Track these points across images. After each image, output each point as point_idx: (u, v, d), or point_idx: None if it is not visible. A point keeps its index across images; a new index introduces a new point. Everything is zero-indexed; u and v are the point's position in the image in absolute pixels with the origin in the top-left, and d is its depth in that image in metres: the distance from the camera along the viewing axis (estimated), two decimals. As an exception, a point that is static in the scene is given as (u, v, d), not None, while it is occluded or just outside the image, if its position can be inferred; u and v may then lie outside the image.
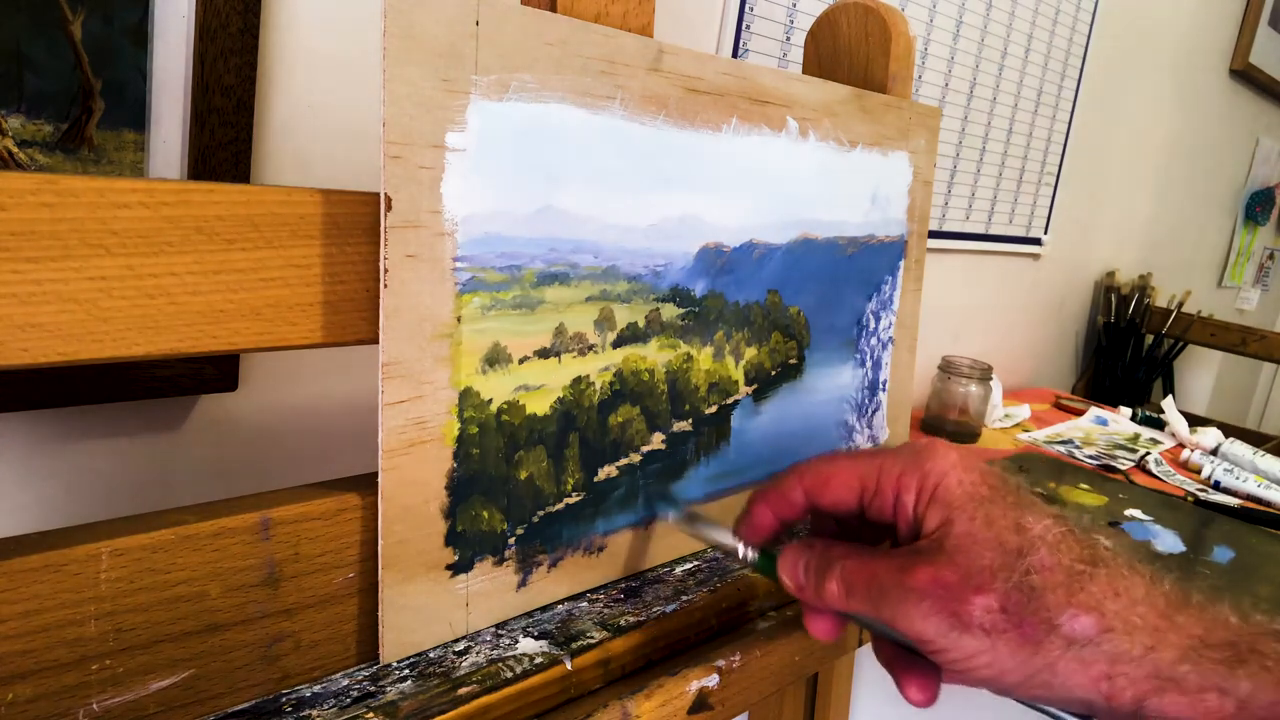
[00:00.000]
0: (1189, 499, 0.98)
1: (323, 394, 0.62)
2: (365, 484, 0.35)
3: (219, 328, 0.30)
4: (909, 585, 0.29)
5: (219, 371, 0.54)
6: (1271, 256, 2.51)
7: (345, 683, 0.34)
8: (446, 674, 0.35)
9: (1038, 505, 0.31)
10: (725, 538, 0.38)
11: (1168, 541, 0.85)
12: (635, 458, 0.44)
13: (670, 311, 0.44)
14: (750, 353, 0.49)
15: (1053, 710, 0.31)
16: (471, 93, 0.34)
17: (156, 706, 0.31)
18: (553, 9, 0.37)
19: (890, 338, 0.60)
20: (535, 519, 0.40)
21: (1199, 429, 1.22)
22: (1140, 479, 1.04)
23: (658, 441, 0.45)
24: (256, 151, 0.55)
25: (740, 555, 0.37)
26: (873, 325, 0.58)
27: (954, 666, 0.29)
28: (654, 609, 0.42)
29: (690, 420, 0.46)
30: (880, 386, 0.60)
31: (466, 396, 0.36)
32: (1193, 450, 1.13)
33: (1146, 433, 1.26)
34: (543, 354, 0.39)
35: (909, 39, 0.56)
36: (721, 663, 0.40)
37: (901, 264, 0.59)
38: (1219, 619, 0.28)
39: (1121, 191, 1.69)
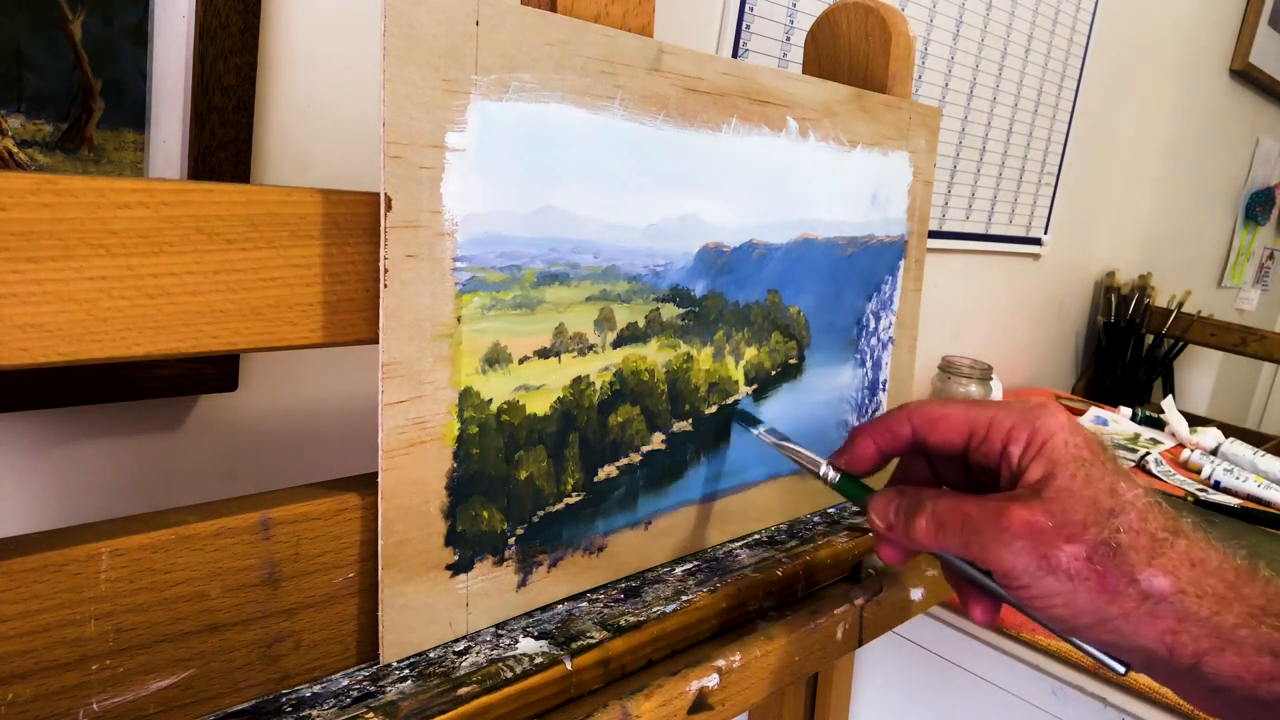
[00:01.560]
0: (1189, 499, 0.98)
1: (323, 394, 0.62)
2: (365, 484, 0.35)
3: (219, 328, 0.30)
4: (1003, 525, 0.32)
5: (219, 371, 0.54)
6: (1271, 256, 2.51)
7: (345, 683, 0.34)
8: (446, 674, 0.35)
9: (1131, 476, 0.34)
10: (811, 455, 0.42)
11: (1168, 541, 0.85)
12: (635, 458, 0.44)
13: (670, 311, 0.44)
14: (750, 353, 0.49)
15: (1094, 652, 0.33)
16: (471, 93, 0.34)
17: (156, 706, 0.31)
18: (553, 9, 0.37)
19: (890, 338, 0.60)
20: (535, 519, 0.40)
21: (1199, 429, 1.22)
22: (1140, 479, 1.04)
23: (658, 441, 0.45)
24: (256, 151, 0.55)
25: (821, 473, 0.41)
26: (873, 325, 0.58)
27: (1032, 603, 0.32)
28: (654, 609, 0.42)
29: (690, 420, 0.46)
30: (880, 386, 0.60)
31: (466, 396, 0.36)
32: (1193, 450, 1.13)
33: (1146, 433, 1.26)
34: (543, 354, 0.39)
35: (909, 39, 0.56)
36: (721, 663, 0.40)
37: (901, 264, 0.59)
38: None
39: (1121, 191, 1.69)
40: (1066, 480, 0.32)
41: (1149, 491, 0.33)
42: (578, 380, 0.40)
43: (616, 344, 0.42)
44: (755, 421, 0.47)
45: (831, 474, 0.41)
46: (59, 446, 0.51)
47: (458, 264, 0.35)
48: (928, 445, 0.37)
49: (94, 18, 0.47)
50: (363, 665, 0.36)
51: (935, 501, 0.35)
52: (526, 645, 0.38)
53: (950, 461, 0.38)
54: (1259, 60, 1.94)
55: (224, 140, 0.52)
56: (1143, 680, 0.73)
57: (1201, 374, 2.12)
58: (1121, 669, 0.33)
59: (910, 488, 0.37)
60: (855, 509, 0.58)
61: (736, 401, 0.49)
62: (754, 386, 0.50)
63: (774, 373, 0.51)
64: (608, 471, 0.42)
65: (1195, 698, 0.32)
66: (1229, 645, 0.30)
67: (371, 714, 0.32)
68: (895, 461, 0.41)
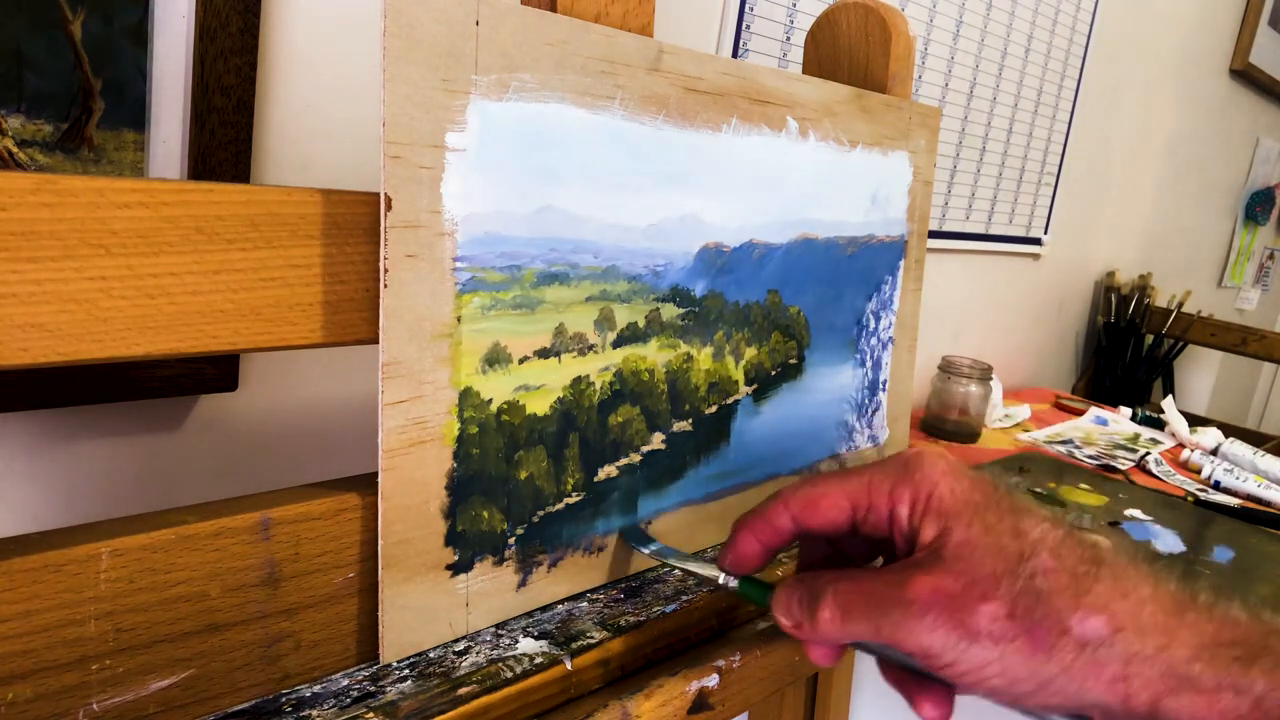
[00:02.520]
0: (1189, 499, 0.98)
1: (323, 394, 0.62)
2: (365, 484, 0.35)
3: (219, 328, 0.30)
4: (909, 599, 0.28)
5: (219, 371, 0.54)
6: (1271, 256, 2.51)
7: (345, 683, 0.34)
8: (446, 674, 0.35)
9: (1033, 509, 0.30)
10: (701, 568, 0.38)
11: (1168, 541, 0.85)
12: (635, 458, 0.44)
13: (670, 311, 0.44)
14: (750, 353, 0.49)
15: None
16: (471, 93, 0.34)
17: (156, 706, 0.31)
18: (553, 9, 0.37)
19: (890, 338, 0.60)
20: (535, 519, 0.40)
21: (1199, 429, 1.23)
22: (1140, 479, 1.04)
23: (658, 441, 0.45)
24: (256, 151, 0.55)
25: (721, 583, 0.37)
26: (873, 325, 0.58)
27: (963, 679, 0.29)
28: (654, 609, 0.42)
29: (690, 420, 0.46)
30: (880, 386, 0.60)
31: (466, 396, 0.36)
32: (1193, 450, 1.13)
33: (1146, 433, 1.26)
34: (543, 354, 0.39)
35: (909, 39, 0.56)
36: (721, 663, 0.40)
37: (901, 264, 0.59)
38: (1228, 617, 0.28)
39: (1121, 191, 1.69)
40: (964, 532, 0.29)
41: (1057, 522, 0.30)
42: (578, 380, 0.40)
43: (616, 344, 0.42)
44: (646, 540, 0.43)
45: (732, 582, 0.36)
46: (59, 446, 0.51)
47: (458, 264, 0.35)
48: (812, 530, 0.33)
49: (94, 18, 0.47)
50: (363, 665, 0.36)
51: (834, 585, 0.31)
52: (526, 645, 0.38)
53: (846, 538, 0.34)
54: (1259, 60, 1.94)
55: (224, 140, 0.52)
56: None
57: (1201, 374, 2.12)
58: None
59: (810, 574, 0.33)
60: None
61: (628, 523, 0.44)
62: (754, 386, 0.50)
63: (774, 373, 0.51)
64: (608, 471, 0.42)
65: None
66: (1185, 684, 0.27)
67: (371, 714, 0.32)
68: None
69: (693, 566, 0.39)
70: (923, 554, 0.30)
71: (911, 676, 0.32)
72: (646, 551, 0.42)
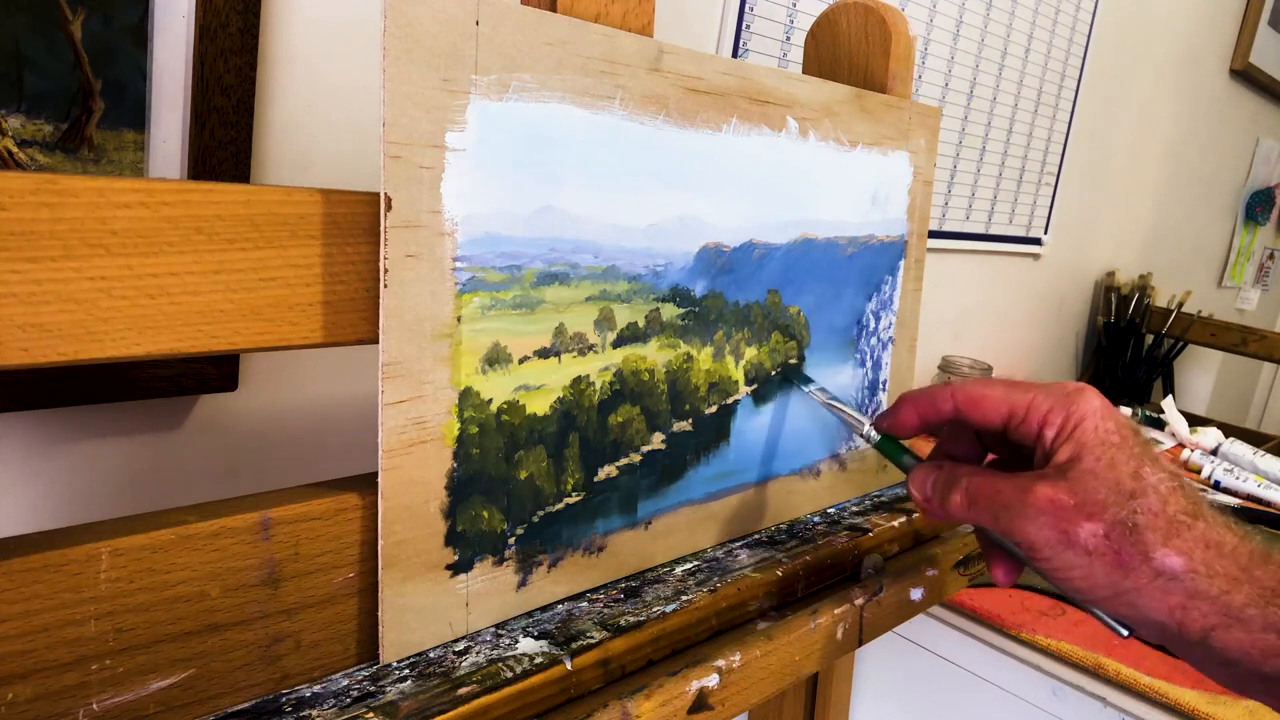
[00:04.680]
0: (1189, 499, 0.98)
1: (323, 394, 0.62)
2: (365, 484, 0.35)
3: (219, 328, 0.30)
4: (1028, 501, 0.34)
5: (219, 371, 0.54)
6: (1271, 256, 2.51)
7: (345, 683, 0.34)
8: (446, 674, 0.35)
9: (1159, 460, 0.35)
10: (856, 415, 0.47)
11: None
12: (635, 458, 0.44)
13: (670, 311, 0.44)
14: (750, 353, 0.49)
15: (1102, 616, 0.36)
16: (471, 93, 0.34)
17: (156, 706, 0.31)
18: (553, 9, 0.37)
19: (890, 338, 0.60)
20: (535, 519, 0.40)
21: (1199, 429, 1.23)
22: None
23: (658, 441, 0.45)
24: (256, 151, 0.55)
25: (865, 433, 0.45)
26: (873, 325, 0.58)
27: (1054, 575, 0.35)
28: (654, 609, 0.42)
29: (690, 420, 0.46)
30: (880, 386, 0.60)
31: (466, 396, 0.36)
32: (1193, 450, 1.13)
33: (1146, 433, 1.26)
34: (543, 354, 0.39)
35: (909, 39, 0.56)
36: (721, 663, 0.40)
37: (901, 264, 0.59)
38: None
39: (1121, 191, 1.69)
40: (1092, 463, 0.34)
41: (1173, 476, 0.34)
42: (578, 380, 0.40)
43: (616, 344, 0.42)
44: (807, 380, 0.50)
45: (874, 434, 0.45)
46: (59, 446, 0.51)
47: (458, 264, 0.35)
48: (969, 422, 0.39)
49: (94, 18, 0.47)
50: (363, 665, 0.36)
51: (969, 479, 0.37)
52: (526, 645, 0.38)
53: (992, 434, 0.40)
54: (1259, 60, 1.94)
55: (224, 140, 0.52)
56: (1143, 680, 0.73)
57: (1201, 374, 2.11)
58: (1125, 632, 0.36)
59: (948, 464, 0.39)
60: (856, 508, 0.58)
61: (790, 362, 0.51)
62: (754, 386, 0.50)
63: (774, 373, 0.51)
64: (608, 471, 0.42)
65: (1206, 669, 0.34)
66: (1236, 623, 0.32)
67: (371, 714, 0.32)
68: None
69: (848, 411, 0.47)
70: (1050, 470, 0.35)
71: (996, 547, 0.39)
72: (806, 390, 0.50)
